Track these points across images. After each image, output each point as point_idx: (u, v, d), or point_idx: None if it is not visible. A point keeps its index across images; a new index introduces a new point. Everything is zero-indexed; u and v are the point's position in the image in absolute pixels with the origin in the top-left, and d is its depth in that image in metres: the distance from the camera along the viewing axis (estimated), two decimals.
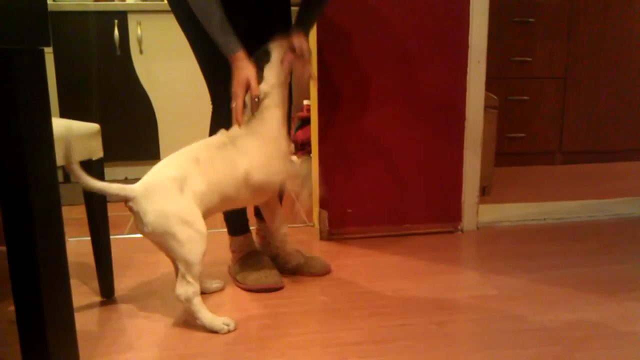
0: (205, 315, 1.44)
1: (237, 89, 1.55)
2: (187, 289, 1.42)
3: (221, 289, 1.72)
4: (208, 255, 1.95)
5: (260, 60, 1.60)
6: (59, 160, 1.31)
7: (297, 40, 1.61)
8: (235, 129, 1.58)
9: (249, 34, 1.64)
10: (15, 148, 0.90)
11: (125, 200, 1.40)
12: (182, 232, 1.39)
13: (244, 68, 1.54)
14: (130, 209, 1.40)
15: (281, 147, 1.60)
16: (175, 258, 1.42)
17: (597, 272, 1.81)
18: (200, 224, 1.42)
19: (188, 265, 1.41)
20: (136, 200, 1.39)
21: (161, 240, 1.41)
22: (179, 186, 1.42)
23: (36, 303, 0.95)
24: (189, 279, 1.42)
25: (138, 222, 1.41)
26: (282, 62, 1.61)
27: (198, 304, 1.44)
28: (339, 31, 2.04)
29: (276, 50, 1.61)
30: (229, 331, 1.44)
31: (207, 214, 1.48)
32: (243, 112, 1.56)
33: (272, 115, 1.60)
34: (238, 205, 1.63)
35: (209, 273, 1.81)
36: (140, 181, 1.43)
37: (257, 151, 1.55)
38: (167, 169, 1.45)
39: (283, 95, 1.63)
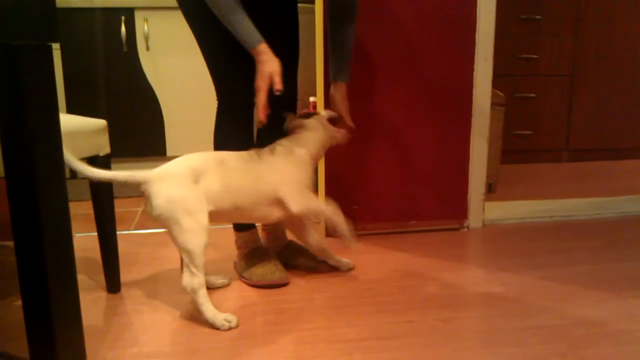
0: (209, 309, 1.45)
1: (260, 82, 1.51)
2: (192, 280, 1.43)
3: (227, 285, 1.72)
4: (214, 252, 1.97)
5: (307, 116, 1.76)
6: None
7: (338, 98, 1.82)
8: (267, 150, 1.63)
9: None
10: (23, 144, 0.91)
11: (140, 183, 1.44)
12: (184, 220, 1.41)
13: (267, 62, 1.50)
14: (143, 192, 1.44)
15: (308, 175, 1.65)
16: (177, 246, 1.44)
17: (603, 270, 1.80)
18: (202, 216, 1.44)
19: (189, 254, 1.43)
20: (149, 183, 1.42)
21: (166, 225, 1.44)
22: (194, 177, 1.45)
23: (43, 298, 0.95)
24: (193, 269, 1.43)
25: (148, 205, 1.43)
26: (324, 126, 1.76)
27: (203, 297, 1.45)
28: None
29: (321, 116, 1.80)
30: (230, 328, 1.44)
31: (215, 217, 1.50)
32: (267, 107, 1.52)
33: (303, 151, 1.66)
34: (250, 219, 1.66)
35: (215, 269, 1.81)
36: (160, 167, 1.47)
37: (288, 173, 1.59)
38: (190, 160, 1.49)
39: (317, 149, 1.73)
